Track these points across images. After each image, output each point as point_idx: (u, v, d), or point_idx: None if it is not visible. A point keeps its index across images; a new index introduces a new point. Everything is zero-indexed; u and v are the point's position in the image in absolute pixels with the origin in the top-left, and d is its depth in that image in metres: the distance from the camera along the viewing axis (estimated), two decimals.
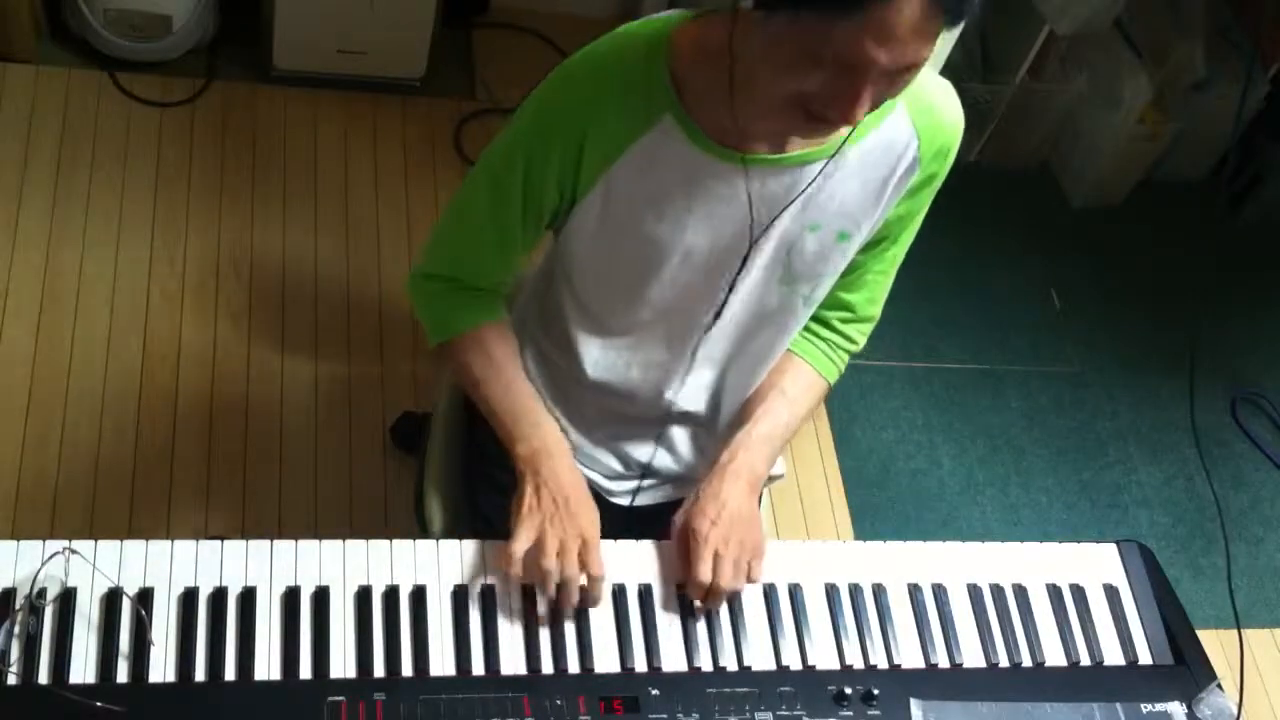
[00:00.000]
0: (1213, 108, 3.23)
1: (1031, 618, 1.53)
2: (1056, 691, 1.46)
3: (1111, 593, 1.58)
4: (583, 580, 1.41)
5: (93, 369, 2.44)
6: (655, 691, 1.35)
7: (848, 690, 1.39)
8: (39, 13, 2.84)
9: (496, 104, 3.06)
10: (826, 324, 1.63)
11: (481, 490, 1.72)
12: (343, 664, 1.32)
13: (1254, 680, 2.65)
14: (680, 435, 1.69)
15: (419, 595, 1.38)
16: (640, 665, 1.39)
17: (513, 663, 1.36)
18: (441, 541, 1.43)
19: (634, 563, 1.47)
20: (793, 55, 1.19)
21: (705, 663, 1.40)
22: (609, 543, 1.46)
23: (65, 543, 1.31)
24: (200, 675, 1.28)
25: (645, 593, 1.44)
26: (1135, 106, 3.15)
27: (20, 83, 2.80)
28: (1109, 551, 1.62)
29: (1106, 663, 1.52)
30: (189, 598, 1.32)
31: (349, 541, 1.40)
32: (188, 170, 2.78)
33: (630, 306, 1.52)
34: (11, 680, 1.25)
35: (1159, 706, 1.47)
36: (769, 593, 1.47)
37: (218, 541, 1.37)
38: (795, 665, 1.43)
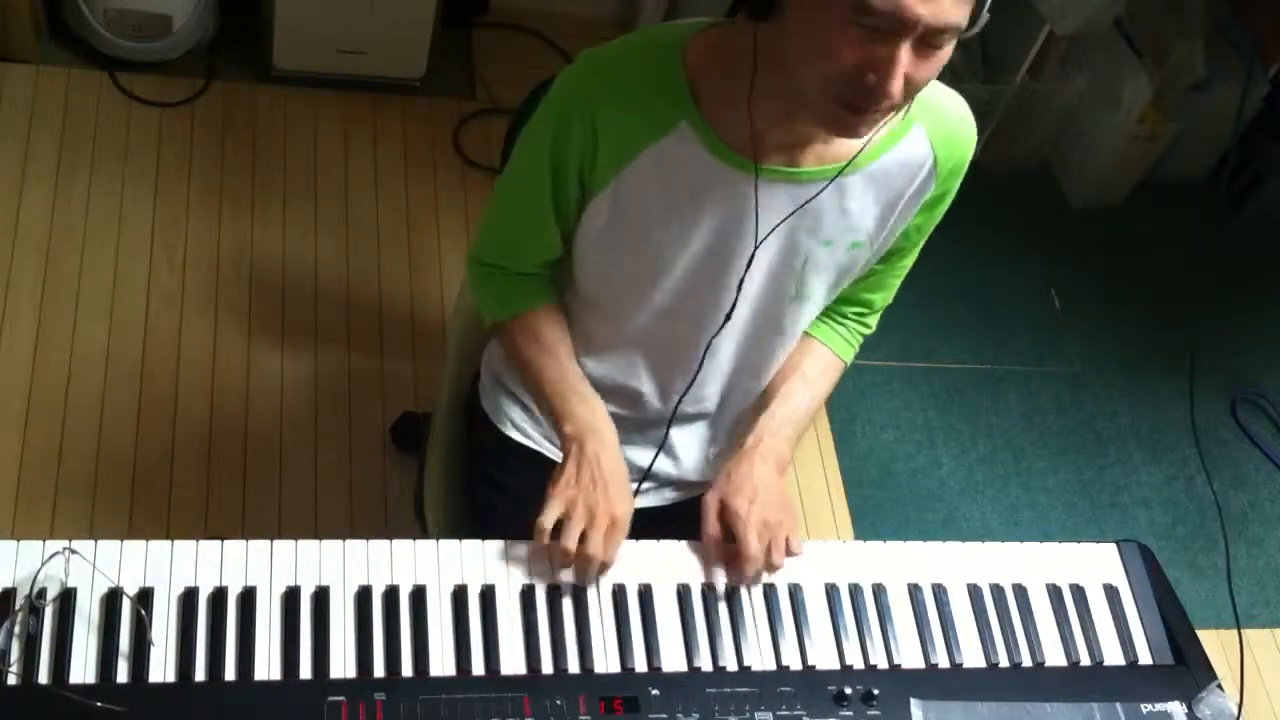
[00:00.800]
0: (1213, 108, 3.23)
1: (1031, 618, 1.53)
2: (1056, 691, 1.46)
3: (1111, 593, 1.58)
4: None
5: (93, 369, 2.44)
6: (655, 691, 1.35)
7: (848, 690, 1.39)
8: (39, 13, 2.83)
9: (496, 104, 3.06)
10: (842, 312, 1.66)
11: (481, 490, 1.72)
12: (343, 664, 1.32)
13: (1254, 680, 2.65)
14: (682, 439, 1.69)
15: (419, 595, 1.38)
16: (640, 665, 1.38)
17: (513, 663, 1.36)
18: (441, 541, 1.43)
19: (634, 563, 1.46)
20: (828, 28, 1.18)
21: (705, 663, 1.40)
22: None
23: (65, 543, 1.31)
24: (200, 675, 1.28)
25: (645, 593, 1.44)
26: (1135, 106, 3.15)
27: (20, 83, 2.80)
28: (1109, 551, 1.62)
29: (1106, 663, 1.52)
30: (189, 598, 1.32)
31: (349, 541, 1.40)
32: (188, 170, 2.77)
33: (635, 310, 1.53)
34: (11, 680, 1.24)
35: (1159, 706, 1.47)
36: (769, 593, 1.47)
37: (218, 541, 1.37)
38: (795, 665, 1.43)
